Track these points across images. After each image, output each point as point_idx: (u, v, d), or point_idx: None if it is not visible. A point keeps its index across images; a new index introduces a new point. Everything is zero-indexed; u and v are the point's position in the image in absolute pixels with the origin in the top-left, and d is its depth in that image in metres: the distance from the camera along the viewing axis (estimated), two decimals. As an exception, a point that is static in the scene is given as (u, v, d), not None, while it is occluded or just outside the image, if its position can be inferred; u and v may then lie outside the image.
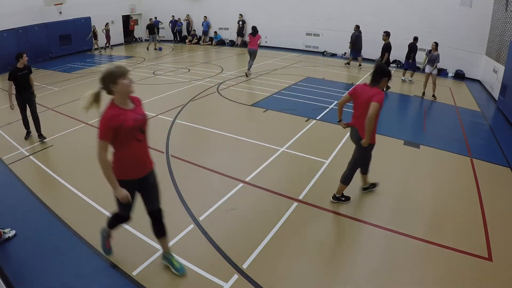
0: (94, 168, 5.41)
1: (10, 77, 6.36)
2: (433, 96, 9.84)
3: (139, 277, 3.23)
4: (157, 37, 18.96)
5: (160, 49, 17.99)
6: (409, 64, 11.60)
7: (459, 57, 13.08)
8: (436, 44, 9.63)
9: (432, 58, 9.63)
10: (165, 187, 4.81)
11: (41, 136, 6.56)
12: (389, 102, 9.46)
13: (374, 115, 3.73)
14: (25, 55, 6.37)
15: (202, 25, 19.85)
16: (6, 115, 8.20)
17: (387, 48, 10.20)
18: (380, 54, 10.64)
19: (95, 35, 17.47)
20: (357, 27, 13.85)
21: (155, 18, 20.63)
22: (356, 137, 4.17)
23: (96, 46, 17.72)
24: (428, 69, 9.87)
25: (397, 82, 11.74)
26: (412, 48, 11.60)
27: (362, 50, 13.81)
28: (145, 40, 21.97)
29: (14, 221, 4.01)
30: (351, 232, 4.00)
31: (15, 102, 6.44)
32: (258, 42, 11.19)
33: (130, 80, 2.76)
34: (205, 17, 19.76)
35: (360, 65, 13.97)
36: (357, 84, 4.33)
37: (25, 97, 6.47)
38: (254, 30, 11.40)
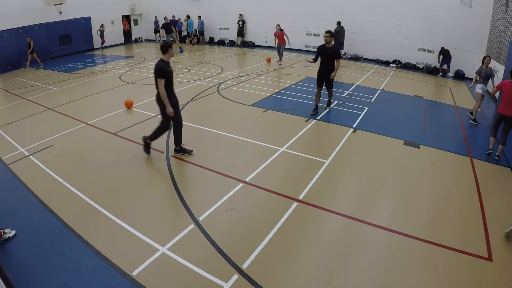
0: (94, 168, 5.45)
1: (161, 74, 5.07)
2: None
3: (139, 277, 3.23)
4: (175, 36, 18.37)
5: (182, 50, 16.98)
6: (447, 63, 13.18)
7: (459, 57, 13.08)
8: (489, 58, 7.93)
9: (487, 75, 7.78)
10: (165, 187, 4.83)
11: (183, 150, 5.76)
12: (389, 102, 9.45)
13: None
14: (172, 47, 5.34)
15: (177, 25, 19.79)
16: (6, 115, 8.21)
17: (338, 53, 7.58)
18: (327, 59, 7.61)
19: (29, 47, 13.89)
20: (339, 23, 14.86)
21: (155, 18, 20.59)
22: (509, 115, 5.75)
23: (29, 62, 14.09)
24: (481, 89, 7.87)
25: (412, 83, 11.75)
26: (446, 52, 13.12)
27: (344, 44, 15.20)
28: (145, 40, 21.99)
29: (14, 221, 4.02)
30: (351, 232, 4.00)
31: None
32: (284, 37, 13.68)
33: None
34: (193, 17, 19.79)
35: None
36: (502, 81, 5.95)
37: (175, 100, 5.42)
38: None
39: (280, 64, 13.87)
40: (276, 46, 14.14)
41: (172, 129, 5.60)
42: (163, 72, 5.08)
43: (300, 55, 16.48)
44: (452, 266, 3.46)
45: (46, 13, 15.67)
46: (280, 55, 14.17)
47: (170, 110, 5.21)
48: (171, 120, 5.42)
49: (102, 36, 18.10)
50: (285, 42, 13.80)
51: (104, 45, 18.67)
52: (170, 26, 18.17)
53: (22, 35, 14.47)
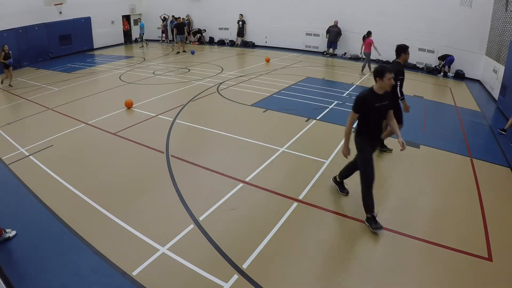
0: (94, 168, 5.45)
1: (356, 105, 3.89)
2: None
3: (139, 277, 3.23)
4: (185, 38, 17.39)
5: (193, 52, 16.41)
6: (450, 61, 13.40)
7: (459, 57, 13.07)
8: None
9: None
10: (165, 187, 4.83)
11: None
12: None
13: None
14: (389, 75, 3.71)
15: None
16: (6, 115, 8.21)
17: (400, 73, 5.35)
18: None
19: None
20: (336, 22, 15.47)
21: (165, 17, 20.01)
22: None
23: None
24: None
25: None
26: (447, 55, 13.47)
27: (336, 44, 15.83)
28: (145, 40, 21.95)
29: (14, 221, 4.02)
30: (351, 232, 4.00)
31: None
32: (371, 45, 12.09)
33: None
34: (193, 16, 19.82)
35: (326, 53, 16.12)
36: None
37: (375, 145, 4.20)
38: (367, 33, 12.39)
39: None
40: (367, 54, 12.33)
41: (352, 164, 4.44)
42: (361, 105, 3.86)
43: (300, 55, 16.48)
44: (452, 266, 3.46)
45: (46, 13, 15.66)
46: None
47: (345, 150, 4.09)
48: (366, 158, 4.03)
49: (165, 30, 19.20)
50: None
51: (104, 45, 18.74)
52: (184, 26, 17.37)
53: (22, 35, 14.47)
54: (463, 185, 5.13)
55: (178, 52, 16.69)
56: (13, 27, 14.12)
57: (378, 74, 3.79)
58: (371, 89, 3.91)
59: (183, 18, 18.78)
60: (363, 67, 12.61)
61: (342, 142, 4.25)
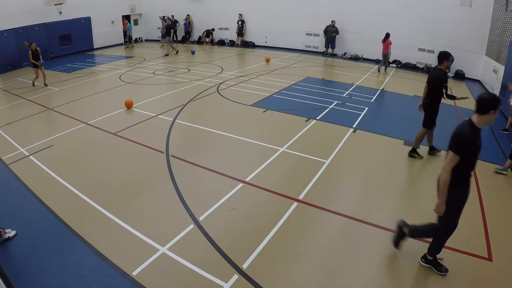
0: (94, 168, 5.45)
1: (460, 147, 3.03)
2: None
3: (139, 277, 3.23)
4: (171, 39, 16.82)
5: (193, 52, 16.49)
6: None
7: (459, 57, 13.07)
8: None
9: None
10: (165, 187, 4.83)
11: None
12: (389, 102, 9.45)
13: None
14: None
15: (184, 25, 19.72)
16: (6, 115, 8.20)
17: (445, 80, 5.67)
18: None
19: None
20: (333, 22, 15.59)
21: (167, 17, 19.68)
22: None
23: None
24: None
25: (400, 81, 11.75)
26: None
27: (334, 43, 15.95)
28: (145, 40, 21.98)
29: (14, 221, 4.02)
30: (351, 232, 4.00)
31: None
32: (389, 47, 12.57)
33: None
34: (193, 16, 19.81)
35: (326, 53, 16.31)
36: None
37: (466, 191, 3.15)
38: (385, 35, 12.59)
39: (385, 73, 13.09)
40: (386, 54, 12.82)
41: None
42: (466, 146, 3.01)
43: (300, 55, 16.49)
44: (452, 266, 3.45)
45: (46, 13, 15.66)
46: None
47: (441, 208, 3.07)
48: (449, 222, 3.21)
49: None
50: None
51: (104, 45, 18.78)
52: (171, 28, 17.02)
53: (22, 35, 14.45)
54: (463, 185, 5.12)
55: (166, 54, 16.12)
56: (13, 27, 14.11)
57: (493, 105, 2.96)
58: (471, 123, 3.09)
59: (169, 18, 18.11)
60: (385, 68, 13.22)
61: (439, 197, 3.10)
